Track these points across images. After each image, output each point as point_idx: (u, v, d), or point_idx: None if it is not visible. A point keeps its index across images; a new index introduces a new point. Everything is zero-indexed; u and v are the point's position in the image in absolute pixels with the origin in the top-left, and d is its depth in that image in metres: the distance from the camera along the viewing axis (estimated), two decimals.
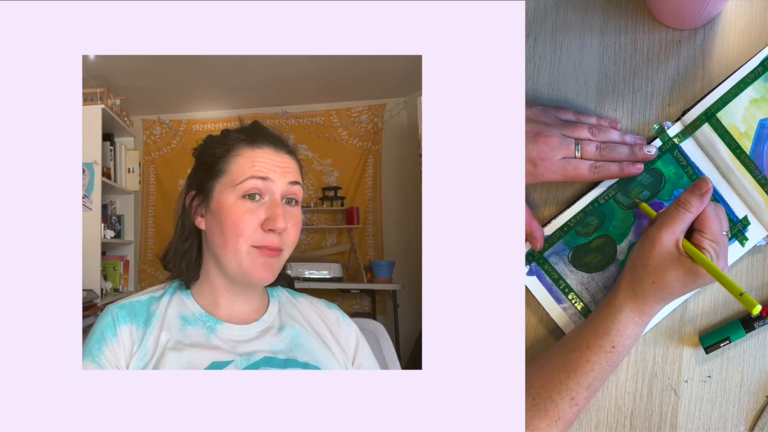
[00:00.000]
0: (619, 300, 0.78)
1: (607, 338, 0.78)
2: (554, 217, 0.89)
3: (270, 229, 0.75)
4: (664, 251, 0.76)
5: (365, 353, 0.87)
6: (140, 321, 0.77)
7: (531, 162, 0.83)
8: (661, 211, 0.80)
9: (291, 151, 0.82)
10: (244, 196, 0.76)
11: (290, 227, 0.77)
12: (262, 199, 0.77)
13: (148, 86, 3.16)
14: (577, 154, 0.84)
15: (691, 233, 0.77)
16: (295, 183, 0.79)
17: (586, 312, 0.88)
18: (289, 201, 0.79)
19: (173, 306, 0.80)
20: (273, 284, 0.86)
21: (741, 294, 0.71)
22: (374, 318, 3.22)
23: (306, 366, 0.78)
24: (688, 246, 0.76)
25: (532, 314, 0.90)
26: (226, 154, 0.79)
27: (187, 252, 0.82)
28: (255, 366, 0.77)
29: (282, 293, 0.88)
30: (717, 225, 0.77)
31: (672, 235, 0.76)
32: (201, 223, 0.80)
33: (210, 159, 0.80)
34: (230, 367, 0.76)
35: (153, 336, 0.76)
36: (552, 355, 0.81)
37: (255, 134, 0.80)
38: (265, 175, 0.77)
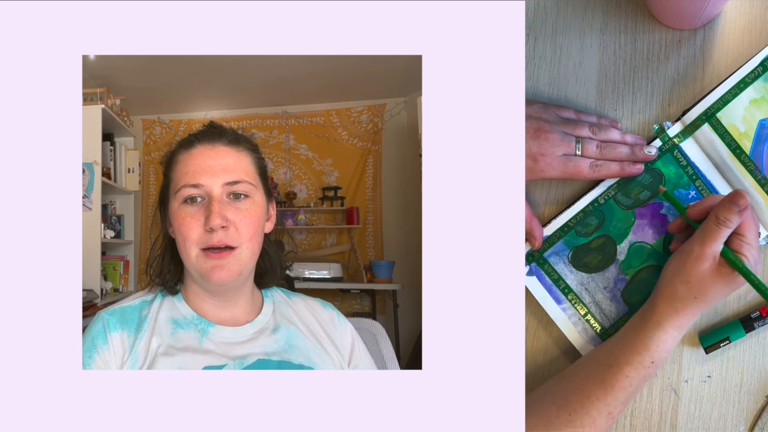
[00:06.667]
0: (658, 316, 0.78)
1: (646, 354, 0.78)
2: (554, 217, 0.89)
3: (209, 229, 0.75)
4: (706, 266, 0.76)
5: (361, 353, 0.86)
6: (131, 327, 0.77)
7: (531, 158, 0.83)
8: (700, 226, 0.79)
9: (235, 141, 0.80)
10: (185, 201, 0.77)
11: (237, 222, 0.76)
12: (203, 201, 0.77)
13: (148, 86, 3.17)
14: (578, 152, 0.84)
15: (729, 237, 0.78)
16: (234, 182, 0.77)
17: (587, 314, 0.88)
18: (237, 196, 0.78)
19: (164, 309, 0.80)
20: (267, 286, 0.86)
21: None
22: (374, 318, 3.22)
23: (300, 368, 0.78)
24: (728, 255, 0.76)
25: (532, 315, 0.90)
26: (169, 163, 0.81)
27: (157, 259, 0.83)
28: (249, 369, 0.76)
29: (277, 293, 0.87)
30: (755, 228, 0.78)
31: (713, 251, 0.77)
32: (172, 231, 0.80)
33: (163, 169, 0.82)
34: None
35: (144, 341, 0.76)
36: (587, 370, 0.81)
37: (193, 137, 0.80)
38: (195, 182, 0.77)
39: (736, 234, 0.77)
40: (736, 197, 0.77)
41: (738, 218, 0.77)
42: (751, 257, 0.76)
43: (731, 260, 0.76)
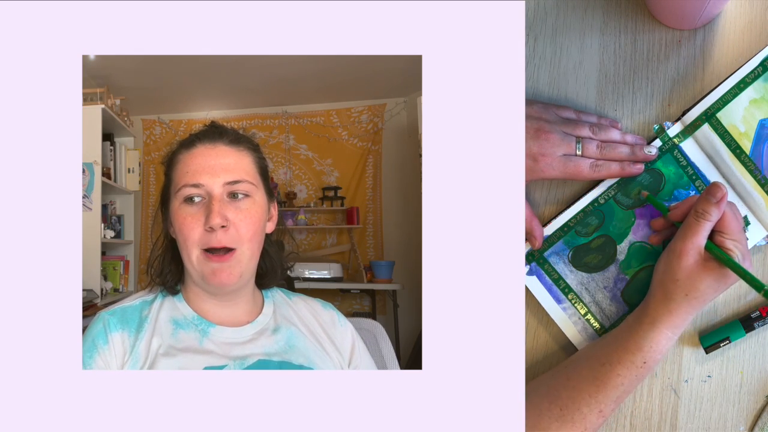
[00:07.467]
0: (652, 317, 0.78)
1: (639, 355, 0.78)
2: (554, 217, 0.89)
3: (209, 228, 0.75)
4: (691, 261, 0.77)
5: (361, 354, 0.86)
6: (132, 327, 0.77)
7: (532, 158, 0.83)
8: (682, 223, 0.80)
9: (236, 141, 0.80)
10: (185, 201, 0.77)
11: (238, 222, 0.76)
12: (203, 200, 0.77)
13: (148, 86, 3.17)
14: (578, 152, 0.84)
15: (712, 235, 0.78)
16: (235, 182, 0.77)
17: (587, 314, 0.88)
18: (234, 195, 0.77)
19: (165, 310, 0.79)
20: (268, 286, 0.86)
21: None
22: (374, 318, 3.22)
23: (300, 368, 0.78)
24: (713, 249, 0.76)
25: (532, 314, 0.90)
26: (170, 162, 0.81)
27: (158, 259, 0.82)
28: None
29: (277, 294, 0.87)
30: (736, 223, 0.78)
31: (696, 245, 0.77)
32: (173, 231, 0.80)
33: (164, 169, 0.82)
34: None
35: (144, 342, 0.76)
36: (580, 366, 0.81)
37: (194, 136, 0.80)
38: (195, 182, 0.76)
39: (718, 231, 0.78)
40: (712, 189, 0.77)
41: (716, 210, 0.77)
42: (738, 252, 0.77)
43: (716, 254, 0.76)
